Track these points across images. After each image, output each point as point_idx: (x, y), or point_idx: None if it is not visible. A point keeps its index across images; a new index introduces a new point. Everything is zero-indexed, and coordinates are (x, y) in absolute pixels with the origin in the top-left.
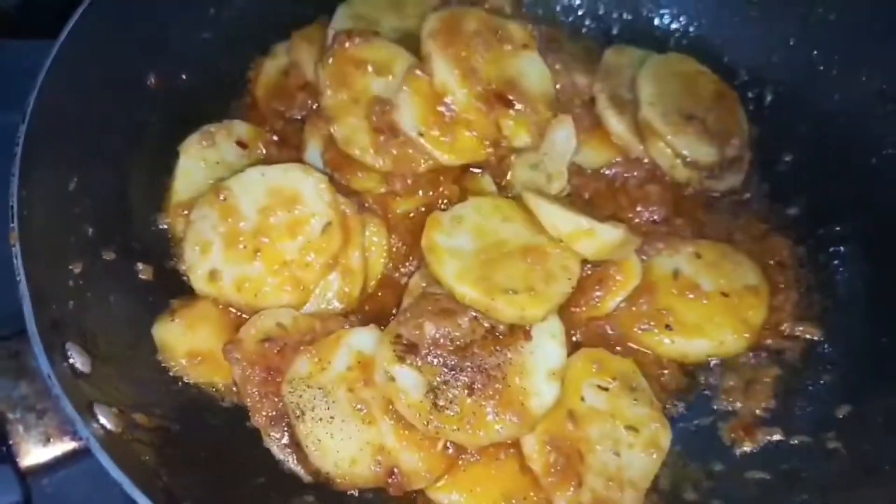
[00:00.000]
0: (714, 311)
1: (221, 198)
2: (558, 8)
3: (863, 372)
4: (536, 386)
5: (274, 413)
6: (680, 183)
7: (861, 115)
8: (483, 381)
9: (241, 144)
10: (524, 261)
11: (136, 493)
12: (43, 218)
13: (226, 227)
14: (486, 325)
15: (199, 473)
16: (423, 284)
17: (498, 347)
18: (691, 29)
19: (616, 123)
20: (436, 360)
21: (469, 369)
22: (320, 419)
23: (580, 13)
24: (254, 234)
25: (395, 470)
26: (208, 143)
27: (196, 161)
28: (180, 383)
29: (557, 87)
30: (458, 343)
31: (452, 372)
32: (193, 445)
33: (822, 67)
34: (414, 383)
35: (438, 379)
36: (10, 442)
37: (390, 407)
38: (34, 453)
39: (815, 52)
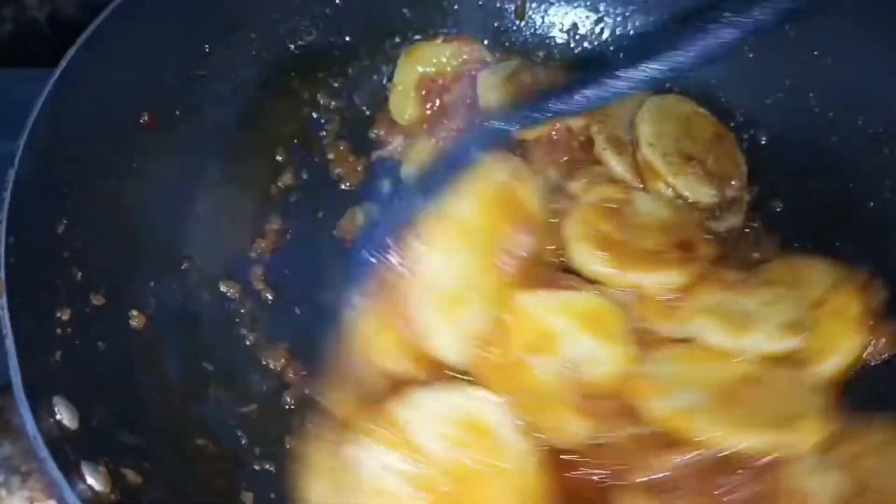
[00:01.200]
0: None
1: None
2: (556, 51)
3: None
4: None
5: None
6: None
7: (857, 160)
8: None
9: None
10: None
11: None
12: (31, 265)
13: None
14: None
15: None
16: None
17: None
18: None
19: (615, 164)
20: None
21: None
22: None
23: (577, 51)
24: None
25: None
26: None
27: None
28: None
29: (553, 133)
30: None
31: None
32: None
33: (817, 110)
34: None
35: None
36: None
37: None
38: None
39: (811, 94)
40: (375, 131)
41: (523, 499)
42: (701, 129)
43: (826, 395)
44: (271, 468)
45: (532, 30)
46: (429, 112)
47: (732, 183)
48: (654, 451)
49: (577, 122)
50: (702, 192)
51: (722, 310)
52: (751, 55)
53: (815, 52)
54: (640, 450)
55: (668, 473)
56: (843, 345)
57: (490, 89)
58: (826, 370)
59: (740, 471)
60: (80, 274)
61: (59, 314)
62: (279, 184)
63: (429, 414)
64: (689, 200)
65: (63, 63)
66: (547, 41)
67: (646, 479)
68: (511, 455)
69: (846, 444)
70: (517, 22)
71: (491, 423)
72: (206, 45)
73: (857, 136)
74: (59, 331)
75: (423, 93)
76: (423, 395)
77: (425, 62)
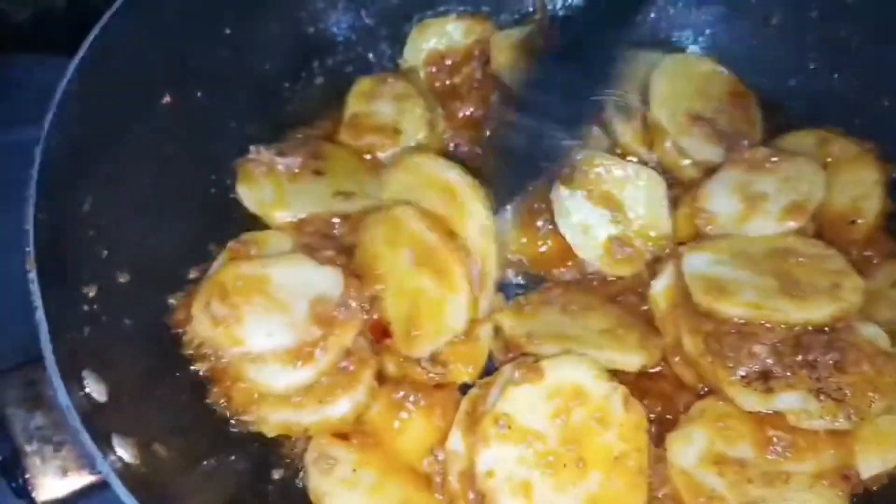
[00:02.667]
0: None
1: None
2: None
3: None
4: None
5: None
6: None
7: (881, 140)
8: (840, 355)
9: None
10: None
11: None
12: (58, 241)
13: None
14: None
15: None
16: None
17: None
18: (707, 51)
19: (622, 132)
20: (790, 371)
21: (822, 353)
22: None
23: None
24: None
25: None
26: (328, 465)
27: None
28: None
29: None
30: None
31: (813, 367)
32: (218, 476)
33: (841, 92)
34: (796, 400)
35: (812, 381)
36: (27, 476)
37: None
38: (50, 487)
39: (836, 75)
40: None
41: (630, 435)
42: (717, 87)
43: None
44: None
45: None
46: (438, 88)
47: (743, 143)
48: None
49: None
50: (707, 152)
51: (743, 189)
52: (772, 36)
53: (842, 34)
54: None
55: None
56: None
57: (502, 51)
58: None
59: (816, 343)
60: (105, 252)
61: (86, 290)
62: None
63: (528, 401)
64: (696, 160)
65: (87, 44)
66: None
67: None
68: (610, 403)
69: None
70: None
71: (584, 383)
72: (227, 28)
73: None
74: (86, 307)
75: (433, 70)
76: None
77: (436, 39)
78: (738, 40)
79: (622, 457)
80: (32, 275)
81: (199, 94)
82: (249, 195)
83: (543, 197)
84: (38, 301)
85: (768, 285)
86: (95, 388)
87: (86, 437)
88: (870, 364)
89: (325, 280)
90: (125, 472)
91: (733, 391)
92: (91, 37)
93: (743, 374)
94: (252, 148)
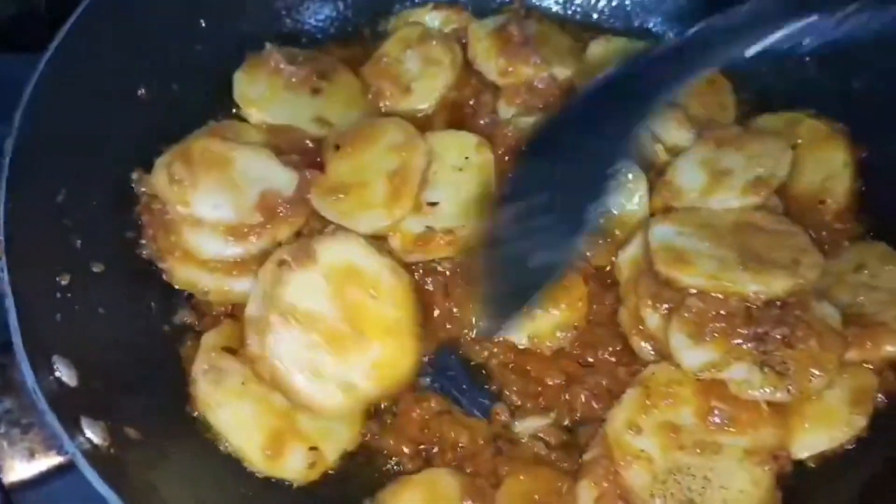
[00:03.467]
0: None
1: None
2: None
3: None
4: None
5: None
6: None
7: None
8: (790, 330)
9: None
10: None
11: None
12: (30, 230)
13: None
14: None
15: (191, 489)
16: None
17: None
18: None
19: None
20: (742, 340)
21: (772, 327)
22: None
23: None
24: None
25: None
26: (218, 376)
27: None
28: (179, 403)
29: (537, 82)
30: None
31: (762, 341)
32: (188, 461)
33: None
34: (741, 371)
35: (758, 353)
36: None
37: None
38: (18, 469)
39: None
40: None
41: (400, 302)
42: None
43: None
44: None
45: None
46: None
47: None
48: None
49: (563, 72)
50: (679, 136)
51: (709, 165)
52: None
53: None
54: None
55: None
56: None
57: (479, 41)
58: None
59: (767, 317)
60: (79, 242)
61: (59, 279)
62: None
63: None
64: (669, 145)
65: (58, 38)
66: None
67: None
68: (380, 275)
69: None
70: None
71: (356, 260)
72: (202, 21)
73: None
74: (59, 295)
75: None
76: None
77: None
78: None
79: (396, 322)
80: (2, 262)
81: (174, 86)
82: (241, 85)
83: None
84: (7, 288)
85: (729, 257)
86: (66, 373)
87: (52, 419)
88: (817, 341)
89: (281, 178)
90: (93, 453)
91: (681, 355)
92: (63, 32)
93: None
94: (267, 45)
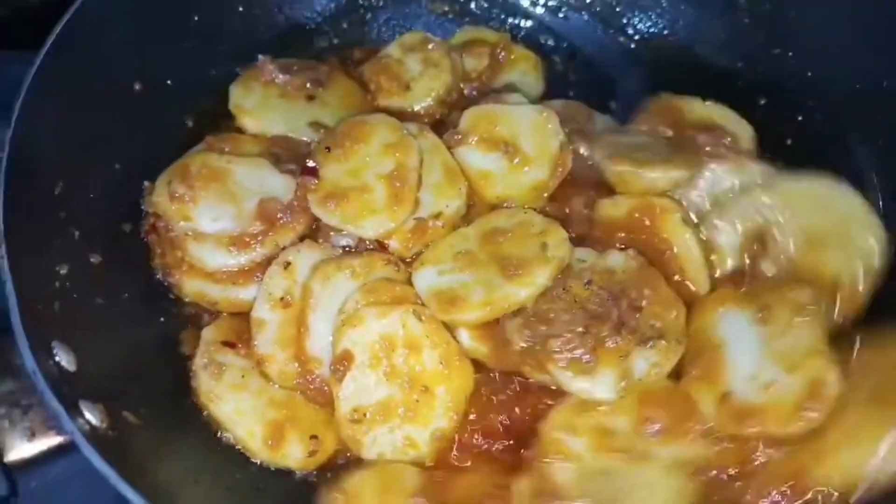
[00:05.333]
0: None
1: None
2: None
3: None
4: None
5: None
6: None
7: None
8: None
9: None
10: None
11: (123, 487)
12: (29, 221)
13: None
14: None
15: (192, 472)
16: None
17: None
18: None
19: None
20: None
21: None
22: None
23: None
24: None
25: None
26: (218, 370)
27: (234, 396)
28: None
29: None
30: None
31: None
32: (187, 447)
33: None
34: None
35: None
36: None
37: None
38: (19, 448)
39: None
40: None
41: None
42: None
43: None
44: None
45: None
46: None
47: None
48: None
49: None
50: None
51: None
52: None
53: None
54: None
55: None
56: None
57: None
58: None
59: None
60: (77, 233)
61: (57, 268)
62: None
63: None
64: None
65: (57, 30)
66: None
67: None
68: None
69: None
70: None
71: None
72: (195, 16)
73: None
74: (57, 284)
75: None
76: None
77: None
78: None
79: (443, 358)
80: (2, 250)
81: (168, 81)
82: (237, 97)
83: None
84: (6, 274)
85: (491, 276)
86: (65, 358)
87: (52, 399)
88: (634, 288)
89: (279, 185)
90: (92, 434)
91: (564, 380)
92: (60, 26)
93: (563, 363)
94: (260, 57)
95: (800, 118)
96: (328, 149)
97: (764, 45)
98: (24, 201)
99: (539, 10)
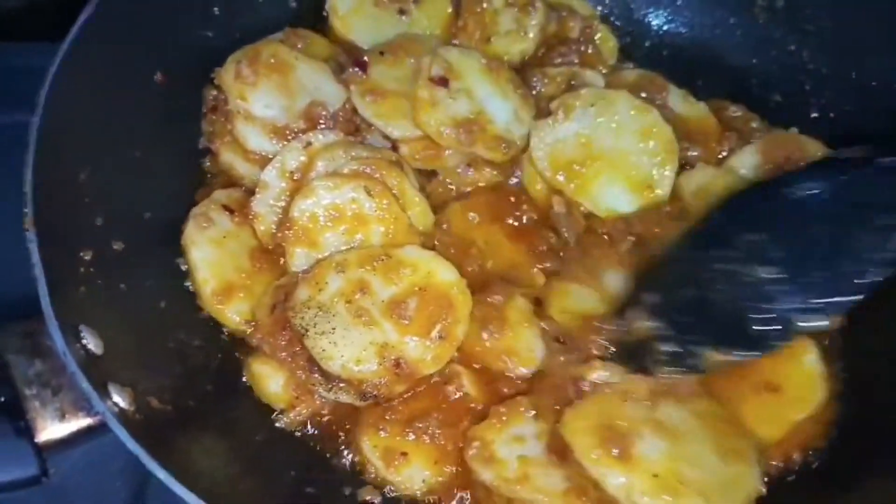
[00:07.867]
0: None
1: None
2: None
3: None
4: None
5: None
6: None
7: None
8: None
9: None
10: None
11: (153, 465)
12: (54, 205)
13: None
14: None
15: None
16: None
17: None
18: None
19: None
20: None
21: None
22: (322, 332)
23: None
24: None
25: (401, 361)
26: (207, 223)
27: (208, 248)
28: (200, 371)
29: None
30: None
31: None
32: (212, 427)
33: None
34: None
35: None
36: (27, 417)
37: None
38: (50, 429)
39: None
40: None
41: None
42: None
43: None
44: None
45: None
46: None
47: None
48: None
49: None
50: None
51: None
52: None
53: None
54: None
55: None
56: None
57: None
58: None
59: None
60: (101, 220)
61: (82, 254)
62: None
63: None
64: None
65: (80, 21)
66: None
67: None
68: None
69: None
70: None
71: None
72: (215, 8)
73: None
74: (82, 269)
75: None
76: None
77: None
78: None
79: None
80: (30, 233)
81: (189, 70)
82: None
83: None
84: (35, 257)
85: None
86: (92, 342)
87: (82, 380)
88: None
89: (332, 93)
90: (120, 416)
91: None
92: (83, 16)
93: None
94: None
95: (814, 115)
96: (382, 53)
97: (779, 42)
98: (50, 188)
99: None
